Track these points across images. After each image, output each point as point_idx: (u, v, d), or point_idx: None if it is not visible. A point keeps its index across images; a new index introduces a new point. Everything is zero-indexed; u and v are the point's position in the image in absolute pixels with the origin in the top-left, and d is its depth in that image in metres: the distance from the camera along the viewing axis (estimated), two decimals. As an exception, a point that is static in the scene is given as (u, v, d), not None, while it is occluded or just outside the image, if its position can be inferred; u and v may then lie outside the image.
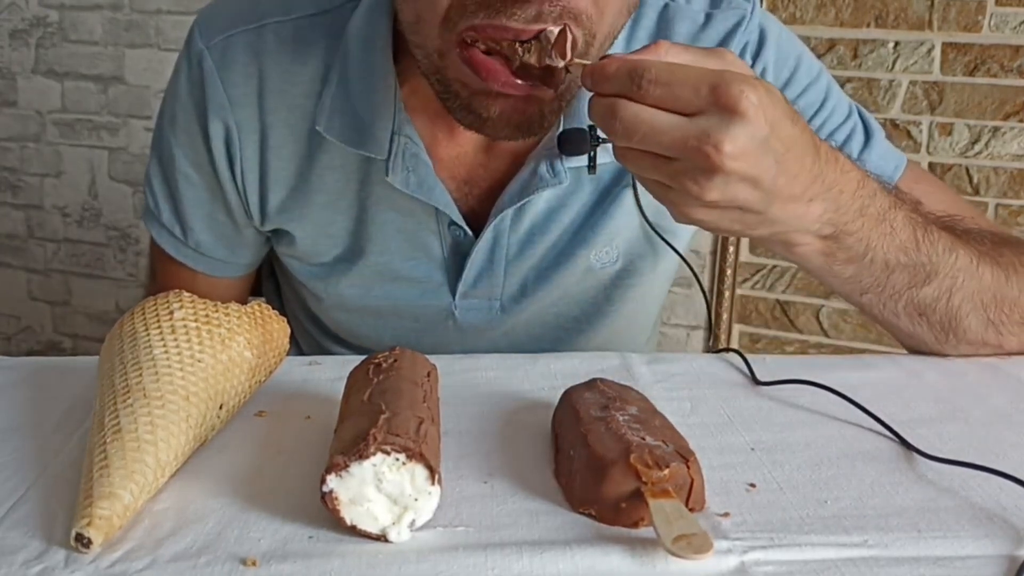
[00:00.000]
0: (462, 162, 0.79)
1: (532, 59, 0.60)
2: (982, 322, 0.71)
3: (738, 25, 0.79)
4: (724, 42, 0.78)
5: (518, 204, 0.76)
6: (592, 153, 0.75)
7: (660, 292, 0.92)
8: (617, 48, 0.76)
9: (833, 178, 0.60)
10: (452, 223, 0.78)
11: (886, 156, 0.82)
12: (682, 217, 0.58)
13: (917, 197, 0.82)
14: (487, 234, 0.78)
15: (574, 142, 0.75)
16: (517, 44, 0.60)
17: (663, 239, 0.80)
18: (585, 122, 0.74)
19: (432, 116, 0.77)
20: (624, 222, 0.81)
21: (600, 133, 0.74)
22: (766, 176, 0.55)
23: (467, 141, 0.78)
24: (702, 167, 0.53)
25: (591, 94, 0.56)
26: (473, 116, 0.65)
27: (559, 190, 0.78)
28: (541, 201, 0.79)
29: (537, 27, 0.61)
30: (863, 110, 0.85)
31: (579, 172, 0.78)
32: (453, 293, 0.82)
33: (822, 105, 0.81)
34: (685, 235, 0.85)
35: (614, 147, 0.57)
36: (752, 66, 0.78)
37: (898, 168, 0.82)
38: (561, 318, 0.86)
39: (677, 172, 0.54)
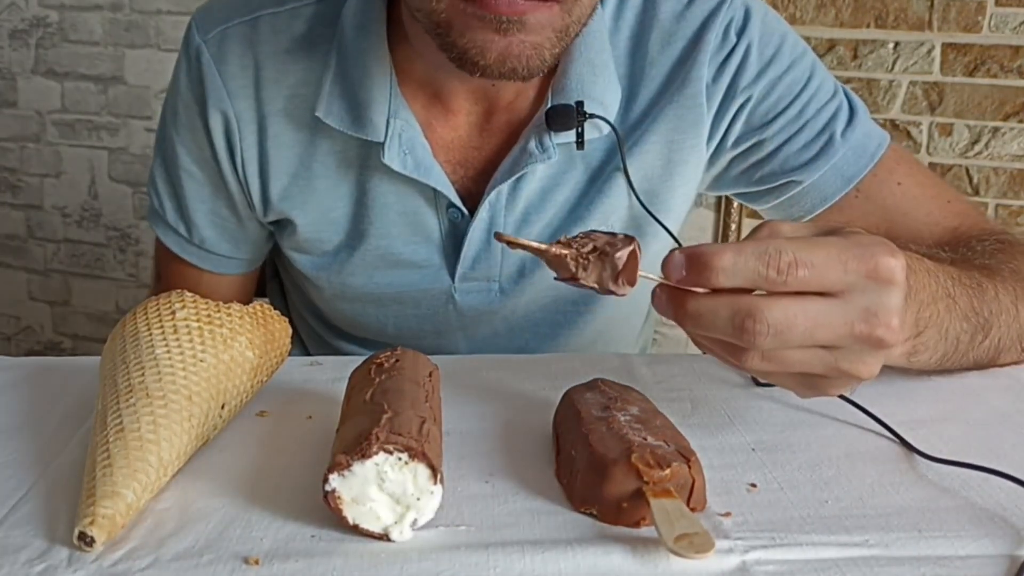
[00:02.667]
0: (457, 144, 0.80)
1: (590, 280, 0.49)
2: (1015, 354, 0.71)
3: (722, 2, 0.79)
4: (709, 19, 0.79)
5: (510, 180, 0.77)
6: (580, 129, 0.76)
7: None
8: (604, 30, 0.77)
9: (913, 281, 0.56)
10: (450, 205, 0.79)
11: (869, 135, 0.82)
12: (824, 396, 0.54)
13: (897, 179, 0.82)
14: (482, 212, 0.79)
15: (562, 118, 0.75)
16: (573, 251, 0.49)
17: (656, 219, 0.81)
18: (573, 98, 0.76)
19: (427, 100, 0.78)
20: (618, 202, 0.81)
21: (588, 109, 0.75)
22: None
23: (461, 124, 0.79)
24: (871, 348, 0.49)
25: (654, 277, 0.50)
26: (471, 64, 0.65)
27: (551, 168, 0.79)
28: (534, 180, 0.79)
29: None
30: (848, 89, 0.85)
31: (570, 150, 0.78)
32: (453, 276, 0.83)
33: (807, 83, 0.81)
34: (677, 218, 0.86)
35: (740, 352, 0.49)
36: (736, 43, 0.79)
37: (880, 147, 0.82)
38: (559, 301, 0.87)
39: (840, 359, 0.50)
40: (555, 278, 0.50)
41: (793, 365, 0.50)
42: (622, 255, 0.49)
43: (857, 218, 0.81)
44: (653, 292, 0.51)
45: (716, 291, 0.48)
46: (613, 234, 0.50)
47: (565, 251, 0.49)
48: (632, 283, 0.49)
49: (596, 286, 0.49)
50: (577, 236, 0.50)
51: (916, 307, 0.56)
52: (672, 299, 0.50)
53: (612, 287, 0.49)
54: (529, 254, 0.81)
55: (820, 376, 0.51)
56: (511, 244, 0.49)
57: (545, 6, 0.63)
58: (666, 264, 0.49)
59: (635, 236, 0.79)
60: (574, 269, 0.49)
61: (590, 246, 0.49)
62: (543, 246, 0.49)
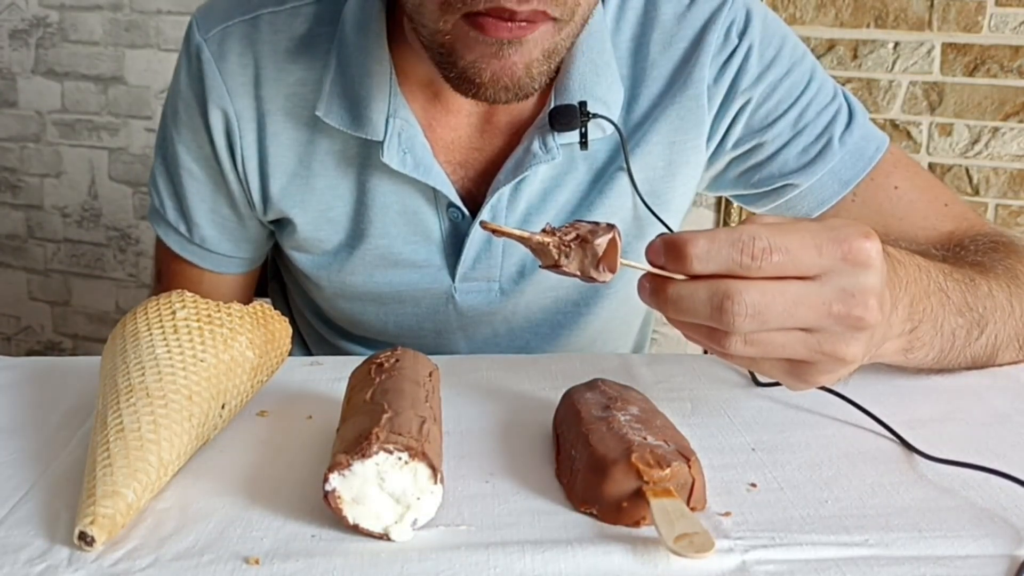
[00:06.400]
0: (457, 145, 0.80)
1: (572, 267, 0.50)
2: (1014, 352, 0.71)
3: (723, 4, 0.79)
4: (710, 20, 0.79)
5: (513, 181, 0.77)
6: (583, 129, 0.76)
7: None
8: (605, 31, 0.77)
9: (903, 274, 0.57)
10: (450, 205, 0.79)
11: (867, 138, 0.82)
12: (811, 386, 0.53)
13: (894, 182, 0.82)
14: (484, 214, 0.79)
15: (565, 118, 0.75)
16: (556, 239, 0.50)
17: (660, 220, 0.81)
18: (575, 98, 0.76)
19: (428, 100, 0.78)
20: (620, 202, 0.81)
21: (591, 109, 0.75)
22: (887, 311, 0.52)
23: (462, 124, 0.79)
24: (852, 329, 0.49)
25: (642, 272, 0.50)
26: (468, 83, 0.66)
27: (553, 169, 0.79)
28: (536, 180, 0.79)
29: (529, 8, 0.60)
30: (847, 92, 0.85)
31: (572, 151, 0.79)
32: (453, 276, 0.83)
33: (807, 86, 0.81)
34: (678, 218, 0.86)
35: (722, 337, 0.49)
36: (738, 45, 0.79)
37: (879, 150, 0.82)
38: (560, 302, 0.87)
39: (823, 342, 0.49)
40: (540, 266, 0.51)
41: (775, 349, 0.50)
42: (602, 242, 0.49)
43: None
44: (638, 282, 0.51)
45: (697, 278, 0.49)
46: (596, 223, 0.51)
47: (548, 239, 0.50)
48: (612, 270, 0.50)
49: (579, 273, 0.50)
50: (563, 226, 0.51)
51: (908, 300, 0.57)
52: (654, 287, 0.50)
53: (593, 274, 0.50)
54: (529, 255, 0.82)
55: (806, 363, 0.51)
56: (496, 232, 0.50)
57: (541, 25, 0.63)
58: (648, 250, 0.50)
59: (635, 233, 0.79)
60: (556, 256, 0.50)
61: (573, 234, 0.50)
62: (526, 234, 0.50)
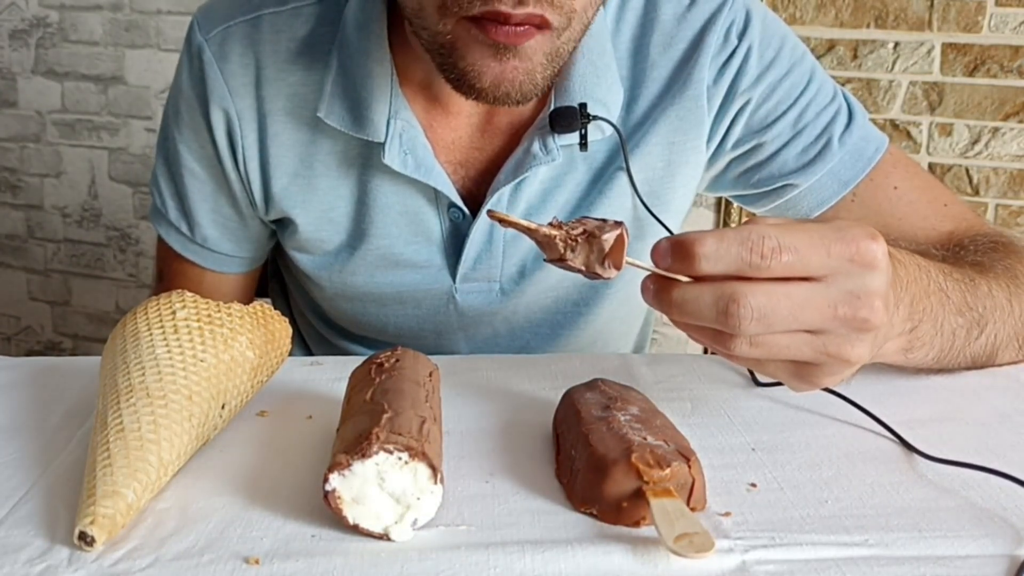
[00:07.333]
0: (458, 145, 0.80)
1: (577, 262, 0.49)
2: (1014, 352, 0.71)
3: (723, 5, 0.79)
4: (710, 21, 0.79)
5: (513, 182, 0.77)
6: (583, 130, 0.76)
7: None
8: (605, 32, 0.77)
9: (904, 273, 0.57)
10: (451, 205, 0.79)
11: (867, 138, 0.82)
12: (815, 387, 0.53)
13: (894, 183, 0.82)
14: (484, 214, 0.79)
15: (565, 119, 0.76)
16: (563, 232, 0.49)
17: (659, 221, 0.81)
18: (576, 100, 0.76)
19: (428, 101, 0.78)
20: (619, 203, 0.81)
21: (591, 111, 0.75)
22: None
23: (462, 125, 0.79)
24: (857, 331, 0.49)
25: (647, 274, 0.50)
26: (468, 87, 0.66)
27: (553, 170, 0.79)
28: (536, 181, 0.79)
29: (524, 12, 0.60)
30: (847, 92, 0.85)
31: (572, 152, 0.79)
32: (454, 276, 0.83)
33: (806, 87, 0.81)
34: (678, 218, 0.86)
35: (727, 339, 0.49)
36: (737, 46, 0.79)
37: (879, 150, 0.82)
38: (560, 302, 0.87)
39: (828, 343, 0.49)
40: (544, 259, 0.51)
41: (781, 351, 0.50)
42: (609, 238, 0.49)
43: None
44: (642, 284, 0.51)
45: (702, 279, 0.49)
46: (604, 220, 0.50)
47: (555, 232, 0.49)
48: (618, 267, 0.50)
49: (583, 268, 0.50)
50: (570, 220, 0.50)
51: (909, 300, 0.57)
52: (659, 289, 0.50)
53: (598, 270, 0.50)
54: (531, 254, 0.82)
55: (810, 364, 0.51)
56: (503, 222, 0.50)
57: (539, 32, 0.63)
58: (653, 252, 0.49)
59: (635, 234, 0.79)
60: (562, 250, 0.50)
61: (580, 229, 0.50)
62: (533, 225, 0.50)
